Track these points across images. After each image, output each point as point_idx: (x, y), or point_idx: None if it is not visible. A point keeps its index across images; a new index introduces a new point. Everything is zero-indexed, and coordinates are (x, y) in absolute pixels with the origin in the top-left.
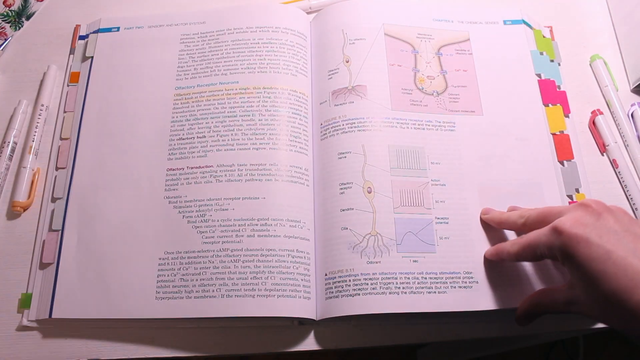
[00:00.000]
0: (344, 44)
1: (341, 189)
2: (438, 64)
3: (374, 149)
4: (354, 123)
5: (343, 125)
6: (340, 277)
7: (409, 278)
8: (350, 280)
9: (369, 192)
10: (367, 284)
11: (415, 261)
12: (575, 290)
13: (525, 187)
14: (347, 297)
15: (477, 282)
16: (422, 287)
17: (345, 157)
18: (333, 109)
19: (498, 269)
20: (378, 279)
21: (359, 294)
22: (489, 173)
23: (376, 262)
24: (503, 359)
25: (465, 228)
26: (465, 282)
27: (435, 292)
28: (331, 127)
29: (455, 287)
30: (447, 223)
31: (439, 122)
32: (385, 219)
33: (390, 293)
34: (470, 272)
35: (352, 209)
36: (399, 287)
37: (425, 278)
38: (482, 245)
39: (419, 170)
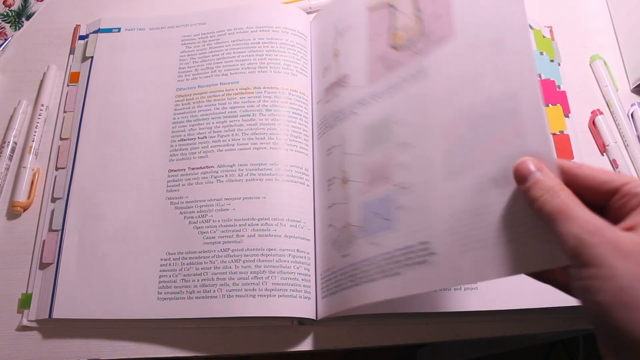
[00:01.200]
0: (335, 39)
1: (328, 185)
2: (414, 6)
3: (351, 136)
4: (338, 116)
5: (331, 120)
6: (327, 275)
7: (369, 265)
8: (332, 279)
9: (345, 183)
10: (341, 279)
11: (374, 244)
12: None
13: None
14: (328, 297)
15: (433, 254)
16: (378, 273)
17: (332, 152)
18: (325, 106)
19: (461, 229)
20: (347, 272)
21: (335, 292)
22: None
23: (347, 255)
24: (503, 359)
25: (425, 187)
26: (420, 256)
27: (389, 275)
28: (323, 125)
29: (409, 264)
30: (405, 188)
31: (411, 73)
32: (355, 207)
33: (355, 285)
34: (426, 242)
35: (334, 204)
36: (362, 277)
37: (381, 261)
38: (443, 205)
39: (386, 141)
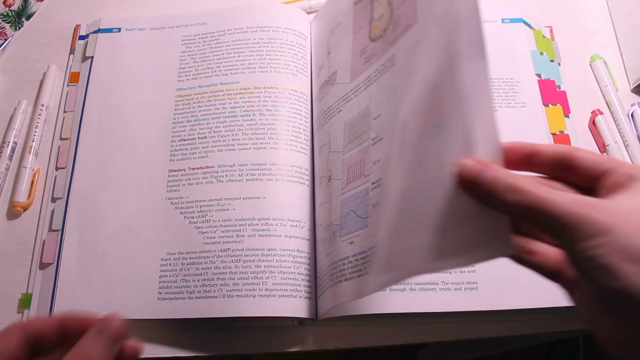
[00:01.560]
0: (328, 37)
1: (319, 184)
2: None
3: (336, 133)
4: (327, 114)
5: (322, 119)
6: (319, 275)
7: (344, 264)
8: (322, 278)
9: (329, 181)
10: (325, 279)
11: (351, 243)
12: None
13: None
14: (320, 297)
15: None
16: (354, 272)
17: (322, 151)
18: (318, 105)
19: (396, 222)
20: (329, 271)
21: (323, 292)
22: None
23: (329, 254)
24: (503, 359)
25: (389, 183)
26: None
27: (362, 274)
28: (317, 124)
29: (374, 262)
30: (379, 185)
31: (382, 65)
32: (336, 206)
33: (333, 285)
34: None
35: (322, 203)
36: (339, 277)
37: (358, 259)
38: (395, 201)
39: (363, 135)
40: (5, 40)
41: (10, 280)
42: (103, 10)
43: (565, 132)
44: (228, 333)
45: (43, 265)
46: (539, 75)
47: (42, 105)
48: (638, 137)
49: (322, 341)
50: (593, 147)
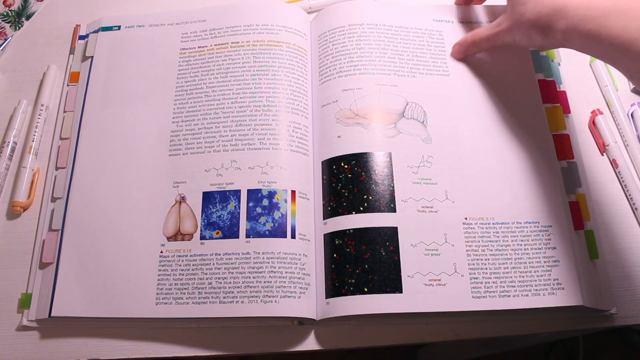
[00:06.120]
0: None
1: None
2: None
3: None
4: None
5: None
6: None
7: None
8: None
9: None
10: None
11: None
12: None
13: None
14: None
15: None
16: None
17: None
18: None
19: None
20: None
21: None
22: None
23: None
24: (503, 359)
25: None
26: None
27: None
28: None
29: None
30: None
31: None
32: None
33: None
34: None
35: None
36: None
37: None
38: None
39: None
40: (5, 40)
41: (10, 280)
42: (103, 10)
43: (565, 132)
44: (228, 333)
45: (43, 265)
46: (539, 75)
47: (42, 105)
48: (638, 137)
49: (322, 341)
50: (593, 147)
